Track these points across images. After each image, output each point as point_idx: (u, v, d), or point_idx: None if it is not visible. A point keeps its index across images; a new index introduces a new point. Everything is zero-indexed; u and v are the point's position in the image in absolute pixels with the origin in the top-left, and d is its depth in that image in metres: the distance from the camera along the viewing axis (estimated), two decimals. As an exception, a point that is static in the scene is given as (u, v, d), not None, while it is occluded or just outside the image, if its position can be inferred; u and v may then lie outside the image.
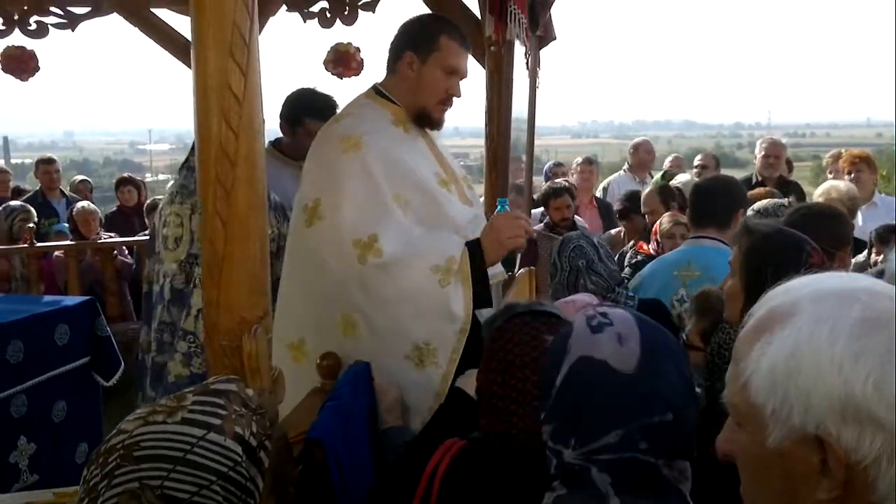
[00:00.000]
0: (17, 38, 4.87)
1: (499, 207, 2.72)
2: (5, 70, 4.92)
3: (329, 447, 1.62)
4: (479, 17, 3.91)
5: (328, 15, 4.86)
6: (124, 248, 5.54)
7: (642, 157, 6.38)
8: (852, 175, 4.85)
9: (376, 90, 2.33)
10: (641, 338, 1.16)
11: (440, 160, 2.38)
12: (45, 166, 6.30)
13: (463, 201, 2.36)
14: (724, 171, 6.52)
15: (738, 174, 6.28)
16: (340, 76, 5.01)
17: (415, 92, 2.27)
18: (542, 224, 4.99)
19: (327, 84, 5.35)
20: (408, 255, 2.08)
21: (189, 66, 4.82)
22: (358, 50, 5.03)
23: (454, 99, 2.35)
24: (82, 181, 7.43)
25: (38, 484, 3.16)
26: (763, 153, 5.39)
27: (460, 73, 2.30)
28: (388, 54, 2.33)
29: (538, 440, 1.20)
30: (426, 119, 2.32)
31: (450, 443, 1.46)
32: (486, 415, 1.43)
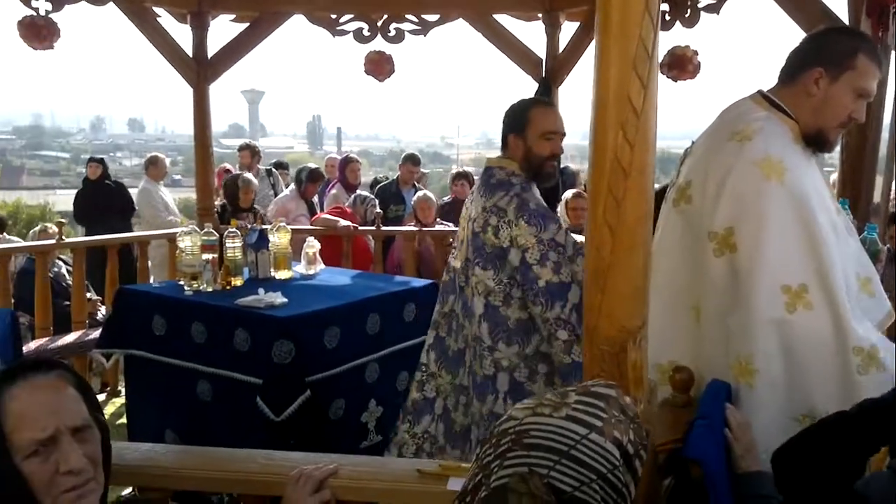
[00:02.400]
0: (378, 44, 5.52)
1: (865, 233, 2.46)
2: (368, 72, 5.55)
3: (707, 468, 1.60)
4: (847, 20, 3.59)
5: (667, 17, 4.79)
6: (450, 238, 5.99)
7: None
8: None
9: (769, 100, 2.10)
10: None
11: (828, 185, 2.15)
12: (411, 165, 7.08)
13: (849, 231, 2.13)
14: None
15: None
16: (675, 79, 4.89)
17: (816, 111, 2.05)
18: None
19: (662, 87, 5.26)
20: (835, 320, 1.85)
21: (525, 70, 5.03)
22: (696, 53, 4.88)
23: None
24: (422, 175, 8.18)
25: (382, 444, 3.55)
26: None
27: (869, 97, 2.06)
28: (787, 61, 2.13)
29: None
30: (821, 141, 2.08)
31: None
32: None
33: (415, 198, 6.18)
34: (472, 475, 1.15)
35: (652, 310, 1.82)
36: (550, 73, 5.60)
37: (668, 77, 4.99)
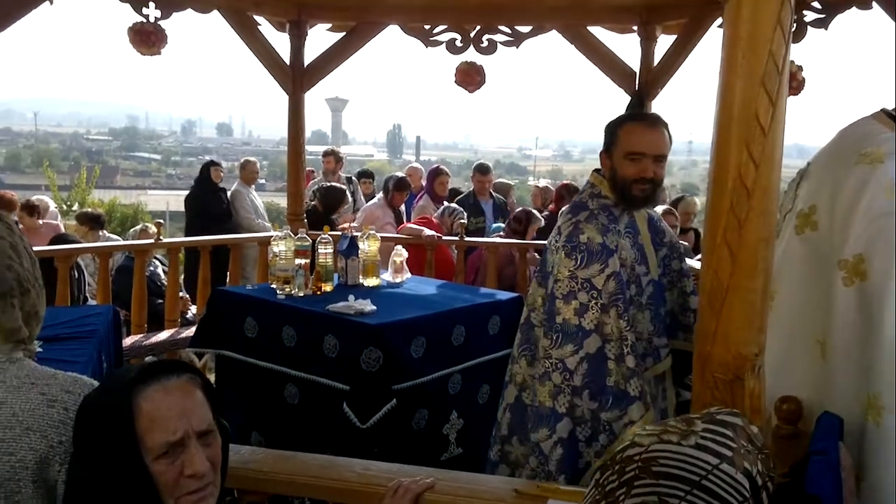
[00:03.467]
0: (469, 55, 5.53)
1: None
2: (459, 83, 5.56)
3: (827, 505, 1.51)
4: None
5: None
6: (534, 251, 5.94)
7: None
8: None
9: (892, 117, 2.00)
10: None
11: None
12: (480, 176, 7.04)
13: None
14: None
15: None
16: (778, 95, 4.72)
17: None
18: None
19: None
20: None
21: (620, 85, 4.94)
22: (800, 69, 4.70)
23: None
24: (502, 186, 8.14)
25: (462, 457, 3.52)
26: None
27: None
28: None
29: None
30: None
31: None
32: None
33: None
34: (592, 502, 1.11)
35: (772, 343, 1.77)
36: (644, 87, 5.48)
37: (769, 93, 4.83)
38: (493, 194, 7.09)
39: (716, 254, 1.56)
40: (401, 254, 4.10)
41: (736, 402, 1.51)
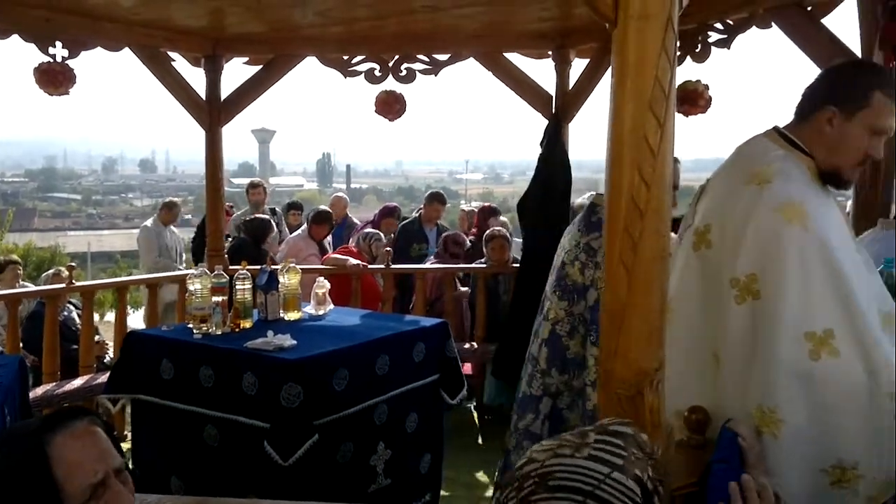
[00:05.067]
0: (389, 84, 5.55)
1: (883, 266, 2.40)
2: (379, 112, 5.57)
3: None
4: (860, 53, 3.57)
5: (679, 53, 4.78)
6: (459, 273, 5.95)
7: None
8: None
9: (785, 137, 2.06)
10: None
11: (847, 221, 2.11)
12: (438, 205, 7.02)
13: (870, 269, 2.07)
14: None
15: None
16: (686, 114, 4.88)
17: (831, 149, 2.00)
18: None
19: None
20: (867, 365, 1.78)
21: (536, 108, 5.04)
22: (707, 87, 4.87)
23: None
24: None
25: (390, 488, 3.47)
26: None
27: (887, 133, 2.00)
28: (801, 99, 2.09)
29: None
30: (837, 179, 2.04)
31: None
32: None
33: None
34: None
35: (671, 355, 1.80)
36: (560, 110, 5.60)
37: (679, 112, 4.97)
38: (439, 223, 7.09)
39: (613, 274, 1.59)
40: (323, 285, 4.05)
41: (638, 417, 1.53)
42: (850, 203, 3.77)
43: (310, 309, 3.98)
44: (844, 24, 4.07)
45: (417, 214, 7.16)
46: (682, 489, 1.70)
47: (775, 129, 2.08)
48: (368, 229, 6.50)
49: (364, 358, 3.38)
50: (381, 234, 6.25)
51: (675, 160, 2.71)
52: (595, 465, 1.12)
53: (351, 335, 3.53)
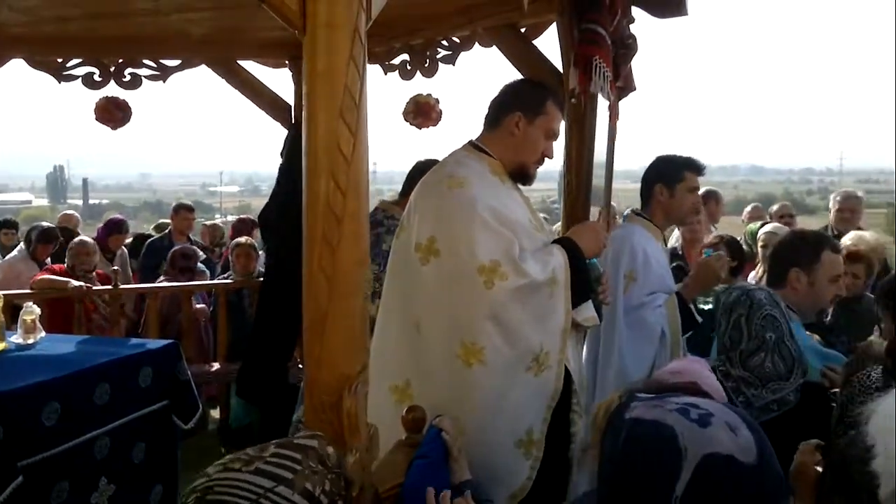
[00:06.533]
0: (112, 90, 5.14)
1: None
2: (98, 120, 5.15)
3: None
4: (562, 70, 3.94)
5: (409, 67, 4.97)
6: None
7: (712, 208, 6.29)
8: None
9: (473, 145, 2.47)
10: (744, 421, 1.10)
11: (531, 210, 2.52)
12: (186, 213, 6.74)
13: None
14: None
15: (810, 221, 6.20)
16: (420, 126, 5.09)
17: (517, 149, 2.43)
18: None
19: (406, 134, 5.45)
20: (529, 274, 2.23)
21: (273, 116, 4.96)
22: (437, 101, 5.11)
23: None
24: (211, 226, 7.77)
25: (116, 525, 3.20)
26: (838, 207, 5.37)
27: (556, 137, 2.50)
28: (489, 110, 2.49)
29: None
30: (523, 175, 2.47)
31: None
32: None
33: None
34: None
35: (387, 336, 2.29)
36: (300, 120, 5.56)
37: (412, 125, 5.18)
38: (192, 238, 6.69)
39: (313, 281, 1.59)
40: (31, 311, 3.63)
41: (341, 423, 1.54)
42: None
43: (16, 338, 3.56)
44: (553, 46, 4.48)
45: (168, 231, 6.74)
46: (390, 490, 1.73)
47: (469, 142, 2.47)
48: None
49: (80, 388, 3.08)
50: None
51: None
52: (259, 479, 1.11)
53: (63, 364, 3.20)
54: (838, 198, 5.53)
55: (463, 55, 4.95)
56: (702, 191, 6.45)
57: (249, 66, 5.56)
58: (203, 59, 5.33)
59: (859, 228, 5.05)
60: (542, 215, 2.76)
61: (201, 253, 5.97)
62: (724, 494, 1.03)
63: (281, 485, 1.10)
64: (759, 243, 4.71)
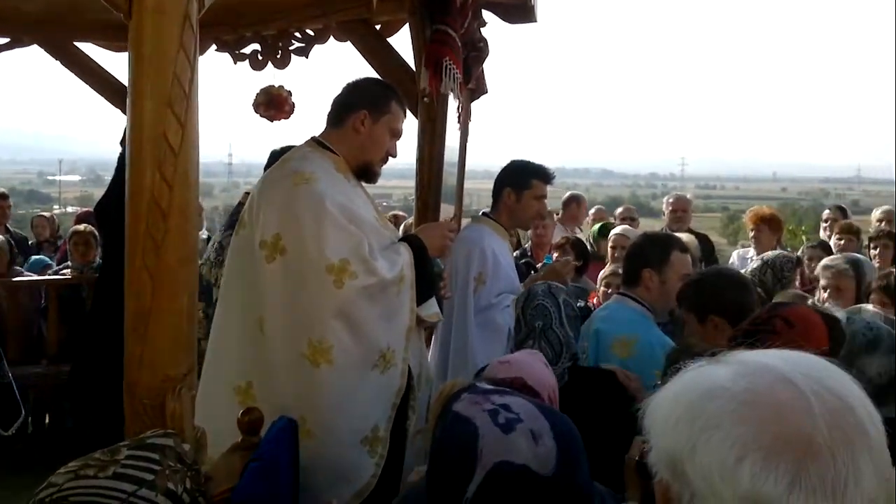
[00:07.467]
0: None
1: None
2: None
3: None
4: (415, 70, 3.97)
5: (260, 57, 4.83)
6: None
7: (574, 211, 6.57)
8: (753, 233, 5.33)
9: (317, 142, 2.44)
10: (553, 430, 1.09)
11: (375, 207, 2.56)
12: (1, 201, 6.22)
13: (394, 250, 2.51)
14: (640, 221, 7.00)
15: (654, 224, 6.60)
16: (271, 119, 4.95)
17: (362, 147, 2.44)
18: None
19: (258, 126, 5.32)
20: (378, 272, 2.26)
21: (112, 102, 4.68)
22: (290, 93, 4.99)
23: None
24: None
25: None
26: (671, 208, 5.76)
27: (399, 136, 2.52)
28: (333, 108, 2.47)
29: None
30: (368, 173, 2.49)
31: None
32: None
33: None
34: None
35: (228, 336, 2.24)
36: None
37: (263, 116, 5.03)
38: (10, 228, 6.16)
39: (136, 278, 1.51)
40: None
41: (164, 426, 1.48)
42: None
43: None
44: (408, 45, 4.51)
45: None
46: (222, 493, 1.68)
47: (313, 138, 2.45)
48: None
49: None
50: None
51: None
52: (119, 484, 1.06)
53: None
54: (671, 199, 5.94)
55: (318, 49, 4.89)
56: (566, 195, 6.80)
57: (90, 48, 5.22)
58: (35, 38, 4.95)
59: (690, 230, 5.44)
60: (402, 213, 2.83)
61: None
62: (513, 503, 1.03)
63: (143, 487, 1.06)
64: (609, 244, 4.96)
